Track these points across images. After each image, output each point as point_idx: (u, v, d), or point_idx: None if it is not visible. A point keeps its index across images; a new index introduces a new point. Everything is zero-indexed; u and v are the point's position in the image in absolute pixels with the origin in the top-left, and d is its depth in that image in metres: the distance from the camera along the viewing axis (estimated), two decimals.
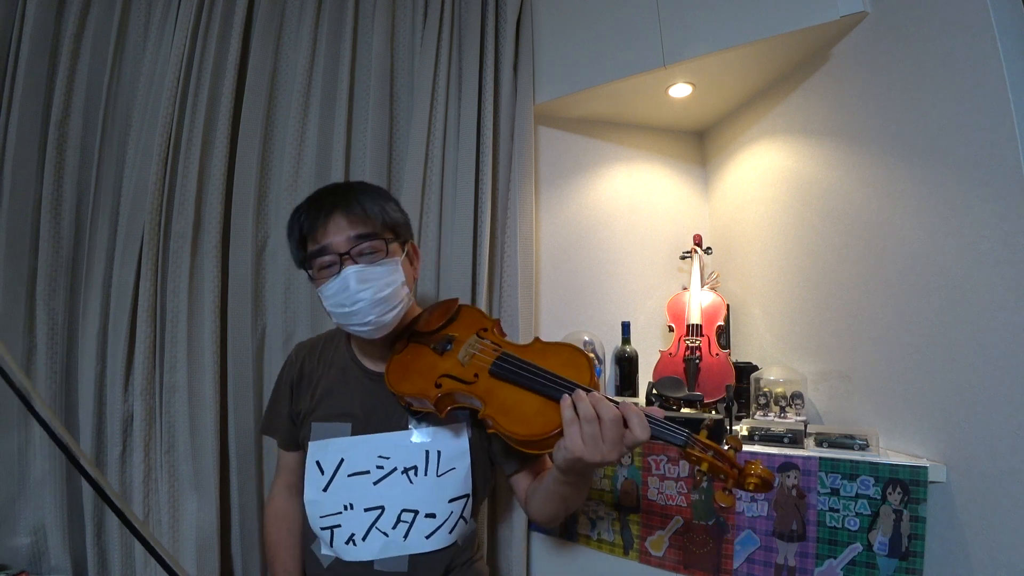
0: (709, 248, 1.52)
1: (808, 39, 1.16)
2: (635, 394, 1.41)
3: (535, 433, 0.70)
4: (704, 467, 0.64)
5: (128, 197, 1.19)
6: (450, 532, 0.86)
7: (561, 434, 0.68)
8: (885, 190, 1.05)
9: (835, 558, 0.93)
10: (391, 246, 0.85)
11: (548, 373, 0.74)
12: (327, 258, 0.81)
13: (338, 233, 0.81)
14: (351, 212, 0.82)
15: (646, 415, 0.66)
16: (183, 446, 1.15)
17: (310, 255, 0.82)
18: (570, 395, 0.68)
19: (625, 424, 0.65)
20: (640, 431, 0.64)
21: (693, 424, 0.68)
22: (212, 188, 1.21)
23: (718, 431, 1.02)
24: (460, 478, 0.87)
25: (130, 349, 1.16)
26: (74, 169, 1.17)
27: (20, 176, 1.13)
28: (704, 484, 1.01)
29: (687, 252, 1.51)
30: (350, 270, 0.79)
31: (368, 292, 0.80)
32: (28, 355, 1.14)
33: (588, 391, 0.68)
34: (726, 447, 0.65)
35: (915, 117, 0.98)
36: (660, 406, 1.24)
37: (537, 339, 0.84)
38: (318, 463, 0.88)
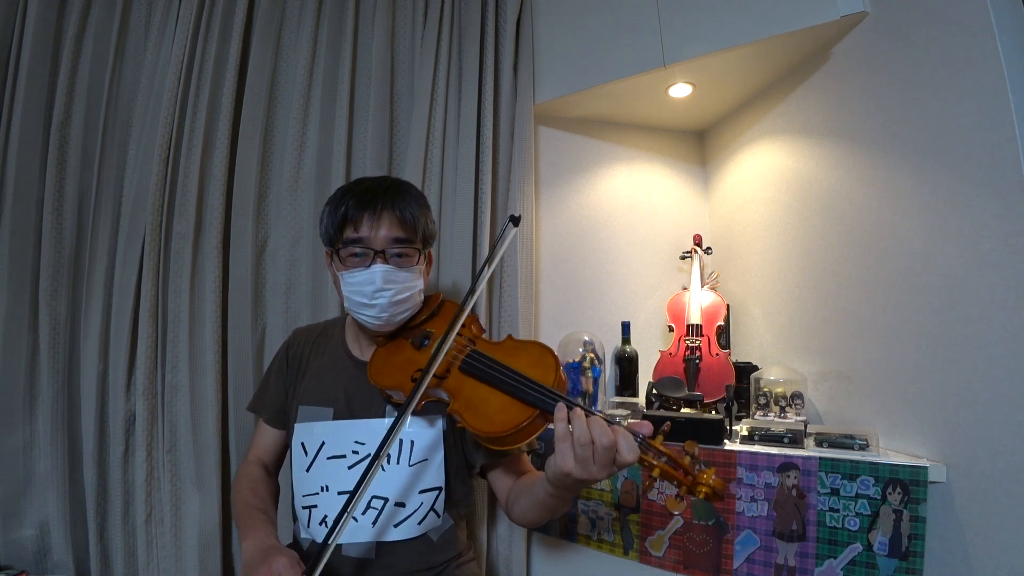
0: (709, 248, 1.52)
1: (808, 39, 1.16)
2: (635, 394, 1.41)
3: (494, 430, 0.71)
4: (656, 473, 0.63)
5: (129, 198, 1.19)
6: (419, 523, 0.87)
7: (524, 433, 0.70)
8: (885, 190, 1.05)
9: (835, 558, 0.93)
10: (419, 255, 0.90)
11: (514, 373, 0.75)
12: (361, 249, 0.85)
13: (381, 230, 0.85)
14: (399, 215, 0.86)
15: (601, 415, 0.66)
16: (185, 445, 1.16)
17: (347, 240, 0.85)
18: (567, 409, 0.66)
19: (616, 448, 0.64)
20: (628, 454, 0.62)
21: (657, 423, 0.67)
22: (213, 189, 1.22)
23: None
24: (432, 469, 0.88)
25: (132, 349, 1.16)
26: (75, 170, 1.18)
27: (23, 177, 1.14)
28: (655, 488, 1.00)
29: (687, 252, 1.51)
30: (379, 268, 0.84)
31: (389, 293, 0.85)
32: (31, 355, 1.14)
33: (586, 410, 0.66)
34: (684, 455, 0.63)
35: (915, 117, 0.98)
36: (660, 406, 1.24)
37: (510, 336, 0.86)
38: (303, 444, 0.90)
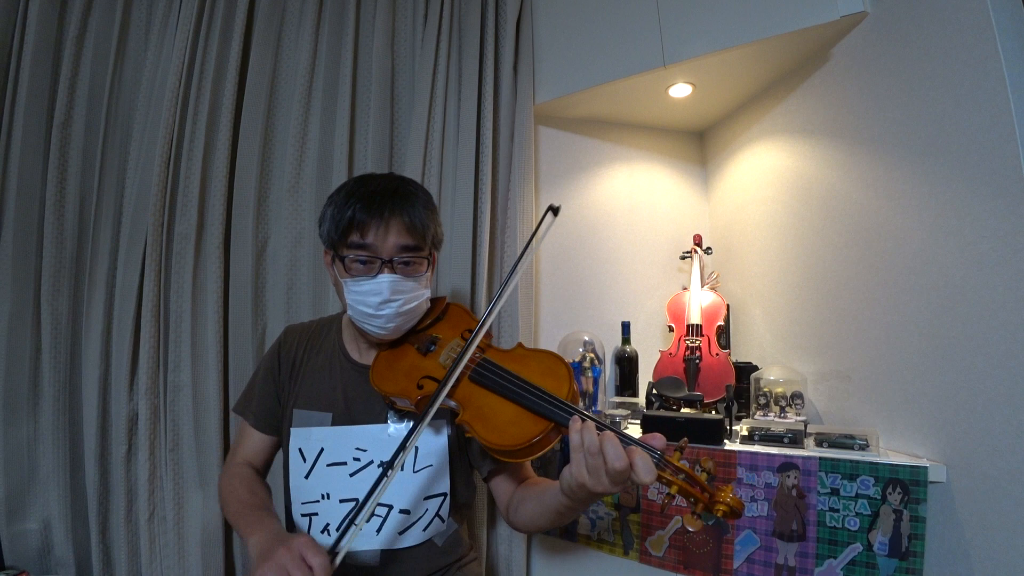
0: (709, 248, 1.52)
1: (808, 39, 1.16)
2: (635, 394, 1.41)
3: (507, 443, 0.69)
4: (673, 490, 0.61)
5: (131, 198, 1.20)
6: (424, 530, 0.86)
7: (537, 446, 0.69)
8: (885, 190, 1.05)
9: (835, 558, 0.93)
10: (427, 263, 0.85)
11: (527, 384, 0.73)
12: (367, 256, 0.80)
13: (389, 238, 0.80)
14: (408, 221, 0.81)
15: (617, 432, 0.64)
16: (187, 444, 1.16)
17: (352, 244, 0.81)
18: (581, 421, 0.65)
19: (631, 467, 0.61)
20: (646, 476, 0.60)
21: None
22: (215, 189, 1.22)
23: (715, 430, 1.02)
24: (437, 475, 0.87)
25: (135, 349, 1.17)
26: (77, 171, 1.19)
27: (25, 178, 1.14)
28: (667, 508, 0.98)
29: (687, 252, 1.51)
30: (387, 278, 0.80)
31: (396, 303, 0.81)
32: (34, 355, 1.15)
33: (603, 425, 0.64)
34: (699, 470, 0.62)
35: (915, 117, 0.98)
36: (660, 406, 1.24)
37: (520, 345, 0.84)
38: (300, 450, 0.87)
